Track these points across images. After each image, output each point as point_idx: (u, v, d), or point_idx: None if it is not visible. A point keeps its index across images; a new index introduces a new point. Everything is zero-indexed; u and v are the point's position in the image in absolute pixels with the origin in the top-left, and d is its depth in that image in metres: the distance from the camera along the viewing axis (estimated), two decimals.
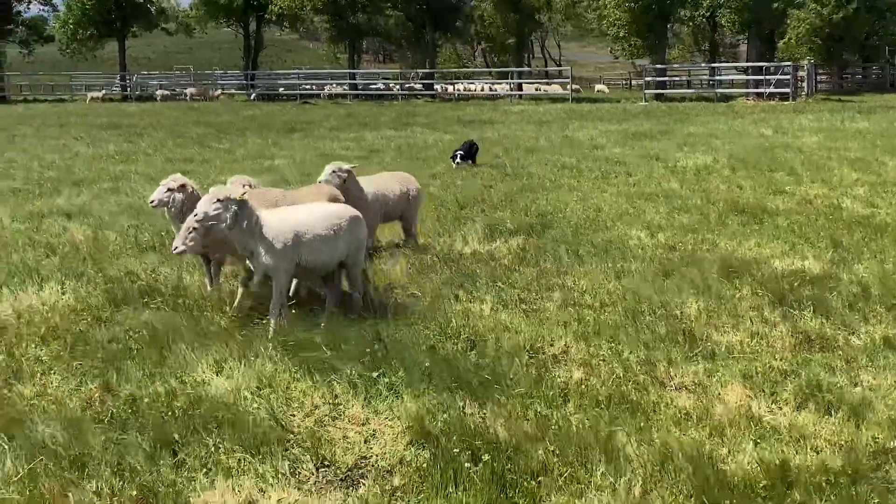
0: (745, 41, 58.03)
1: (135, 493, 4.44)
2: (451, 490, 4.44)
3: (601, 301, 7.82)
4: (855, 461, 4.61)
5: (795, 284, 8.01)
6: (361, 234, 7.54)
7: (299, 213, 7.44)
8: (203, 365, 6.18)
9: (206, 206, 6.85)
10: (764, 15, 50.15)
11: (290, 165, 18.65)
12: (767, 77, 46.13)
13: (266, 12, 64.69)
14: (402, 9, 61.16)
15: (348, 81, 60.55)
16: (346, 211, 7.58)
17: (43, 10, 75.46)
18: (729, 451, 4.74)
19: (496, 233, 10.81)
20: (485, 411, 5.31)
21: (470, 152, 18.19)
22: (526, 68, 63.84)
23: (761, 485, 4.36)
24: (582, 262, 9.27)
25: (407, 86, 59.88)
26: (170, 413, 5.37)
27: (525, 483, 4.47)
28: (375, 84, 63.40)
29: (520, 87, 54.41)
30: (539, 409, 5.32)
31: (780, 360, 6.26)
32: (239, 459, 4.81)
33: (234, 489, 4.52)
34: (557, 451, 4.74)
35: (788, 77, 44.27)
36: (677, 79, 61.63)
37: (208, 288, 8.21)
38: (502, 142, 23.68)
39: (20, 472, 4.64)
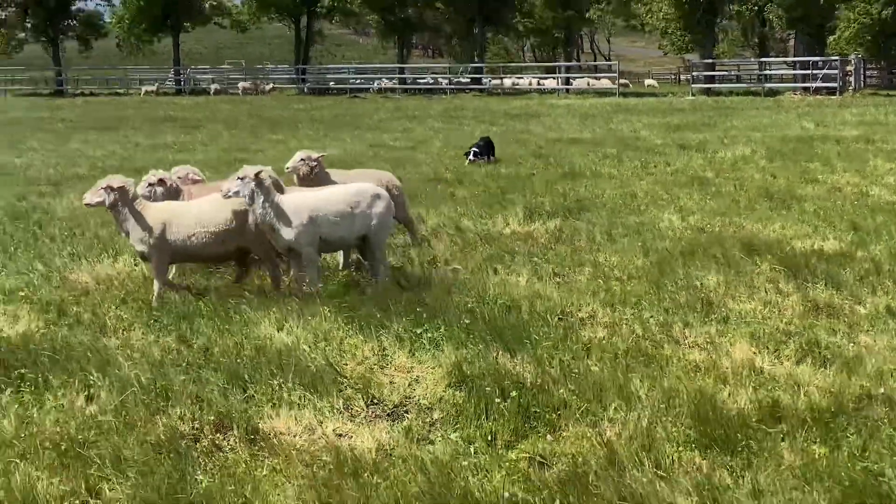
0: (794, 36, 57.97)
1: (212, 418, 5.18)
2: (482, 421, 5.13)
3: (628, 274, 8.45)
4: (840, 403, 5.21)
5: (812, 261, 8.58)
6: (381, 212, 8.05)
7: (320, 193, 8.17)
8: (266, 323, 6.91)
9: (228, 183, 7.63)
10: (812, 10, 50.11)
11: (341, 156, 19.42)
12: (815, 72, 46.17)
13: (317, 7, 65.79)
14: (452, 3, 61.78)
15: (397, 76, 61.35)
16: (366, 190, 8.19)
17: (100, 4, 77.14)
18: (729, 395, 5.37)
19: (535, 215, 11.47)
20: (515, 360, 5.99)
21: (486, 148, 18.41)
22: (574, 63, 64.38)
23: (754, 419, 4.99)
24: (614, 242, 9.90)
25: (455, 80, 60.56)
26: (238, 360, 6.11)
27: (547, 415, 5.14)
28: (424, 78, 64.12)
29: (567, 82, 54.84)
30: (563, 359, 5.99)
31: (788, 323, 6.86)
32: (300, 396, 5.53)
33: (296, 419, 5.24)
34: (577, 391, 5.41)
35: (836, 72, 44.27)
36: (726, 73, 61.65)
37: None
38: (546, 134, 24.29)
39: (114, 402, 5.40)
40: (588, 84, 53.82)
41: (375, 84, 61.16)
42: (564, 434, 4.96)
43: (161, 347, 6.50)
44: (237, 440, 4.98)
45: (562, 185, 14.24)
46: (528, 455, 4.69)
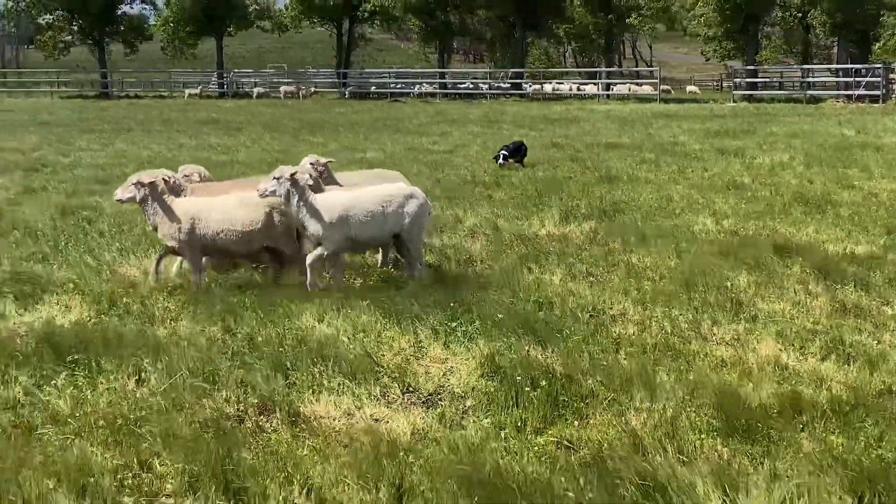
0: (837, 43, 57.58)
1: (256, 401, 5.46)
2: (513, 408, 5.35)
3: (660, 275, 8.63)
4: (861, 397, 5.38)
5: (843, 264, 8.71)
6: (414, 211, 8.28)
7: (354, 193, 8.44)
8: (307, 315, 7.18)
9: (265, 182, 7.92)
10: (855, 17, 49.78)
11: (380, 158, 19.73)
12: (857, 79, 45.87)
13: (359, 11, 66.29)
14: (492, 8, 61.99)
15: (438, 80, 61.66)
16: (399, 190, 8.46)
17: (144, 8, 78.23)
18: (753, 388, 5.55)
19: (570, 217, 11.68)
20: (546, 353, 6.20)
21: (518, 152, 18.47)
22: (615, 68, 64.37)
23: (775, 411, 5.17)
24: (647, 244, 10.06)
25: (495, 85, 60.74)
26: (280, 349, 6.38)
27: (575, 404, 5.35)
28: (464, 83, 64.39)
29: (608, 88, 54.85)
30: (592, 352, 6.20)
31: (815, 323, 7.02)
32: (339, 383, 5.78)
33: (335, 404, 5.50)
34: (604, 382, 5.62)
35: (879, 79, 43.98)
36: (768, 80, 61.33)
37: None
38: (584, 138, 24.44)
39: (164, 385, 5.68)
40: (629, 90, 53.85)
41: (416, 89, 61.52)
42: (591, 422, 5.16)
43: (207, 336, 6.78)
44: (279, 422, 5.25)
45: (598, 188, 14.41)
46: (555, 440, 4.90)
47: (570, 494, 4.20)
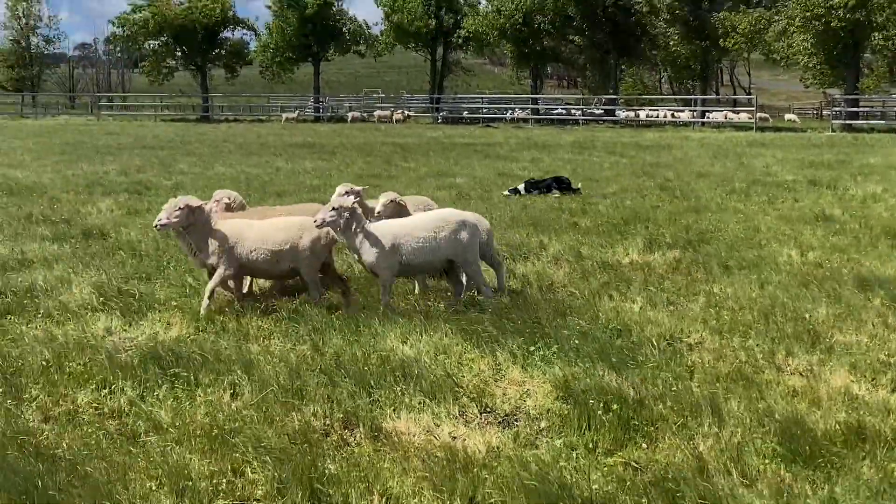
0: None
1: (341, 416, 5.79)
2: (585, 430, 5.58)
3: (740, 305, 8.75)
4: None
5: None
6: (465, 237, 8.56)
7: (406, 220, 8.82)
8: (392, 336, 7.51)
9: (323, 213, 8.26)
10: None
11: (470, 182, 20.09)
12: None
13: (453, 37, 67.18)
14: (587, 35, 62.17)
15: (530, 106, 62.00)
16: (451, 216, 8.75)
17: (245, 34, 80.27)
18: (821, 417, 5.68)
19: (655, 246, 11.82)
20: (620, 378, 6.41)
21: (561, 185, 18.75)
22: (711, 95, 63.86)
23: (840, 438, 5.30)
24: (730, 274, 10.17)
25: (588, 111, 60.80)
26: (365, 368, 6.72)
27: (645, 427, 5.56)
28: (556, 109, 64.60)
29: (703, 115, 54.44)
30: (666, 379, 6.39)
31: (889, 355, 7.08)
32: (420, 401, 6.09)
33: (415, 420, 5.80)
34: (675, 408, 5.81)
35: None
36: (870, 109, 60.08)
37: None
38: (675, 166, 24.46)
39: (256, 398, 6.06)
40: (725, 117, 53.39)
41: (508, 114, 61.96)
42: (660, 445, 5.37)
43: (297, 354, 7.16)
44: (362, 436, 5.57)
45: (685, 217, 14.51)
46: (623, 461, 5.12)
47: None
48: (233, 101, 78.41)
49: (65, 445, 5.40)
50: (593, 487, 4.73)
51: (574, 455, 5.26)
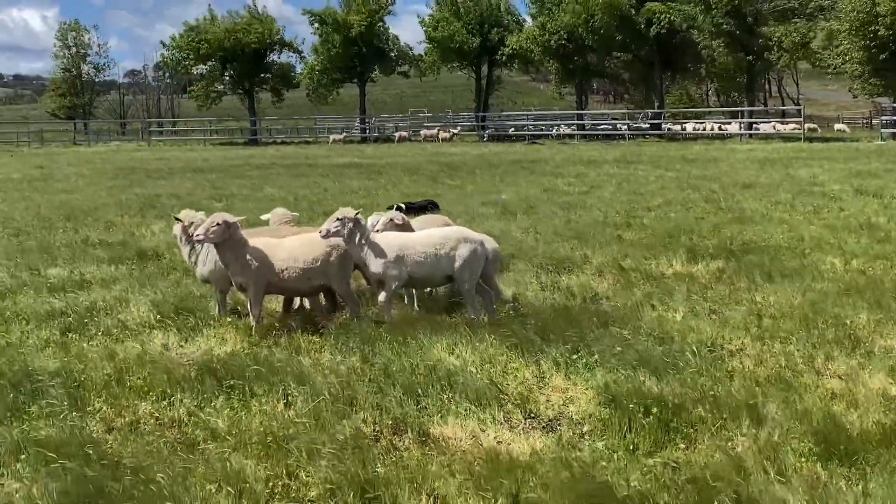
0: None
1: (390, 422, 6.03)
2: (626, 433, 5.76)
3: (782, 312, 8.86)
4: None
5: None
6: (465, 255, 8.71)
7: (411, 234, 9.12)
8: (438, 347, 7.74)
9: (328, 224, 8.54)
10: None
11: (515, 199, 20.30)
12: None
13: (498, 55, 67.58)
14: (631, 49, 62.23)
15: (576, 122, 62.11)
16: (453, 234, 8.96)
17: (290, 57, 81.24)
18: (857, 417, 5.81)
19: (698, 256, 11.94)
20: (661, 384, 6.58)
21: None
22: (758, 107, 63.53)
23: (876, 438, 5.43)
24: (772, 282, 10.28)
25: (635, 126, 60.79)
26: (413, 377, 6.95)
27: (684, 429, 5.73)
28: (602, 124, 64.66)
29: (750, 127, 54.20)
30: (705, 384, 6.54)
31: None
32: (466, 408, 6.31)
33: (461, 426, 6.02)
34: (713, 410, 5.97)
35: None
36: None
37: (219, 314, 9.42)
38: (721, 178, 24.49)
39: (308, 407, 6.32)
40: (774, 128, 53.11)
41: (554, 130, 62.11)
42: (699, 446, 5.53)
43: (347, 366, 7.41)
44: (411, 441, 5.80)
45: (729, 228, 14.60)
46: (662, 461, 5.29)
47: None
48: (281, 123, 79.38)
49: (128, 453, 5.68)
50: (632, 486, 4.91)
51: (615, 456, 5.44)
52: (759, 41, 56.51)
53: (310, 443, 5.66)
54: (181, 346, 8.34)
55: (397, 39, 73.15)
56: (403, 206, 17.74)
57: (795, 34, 54.48)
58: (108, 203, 21.37)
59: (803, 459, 5.21)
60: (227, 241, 8.69)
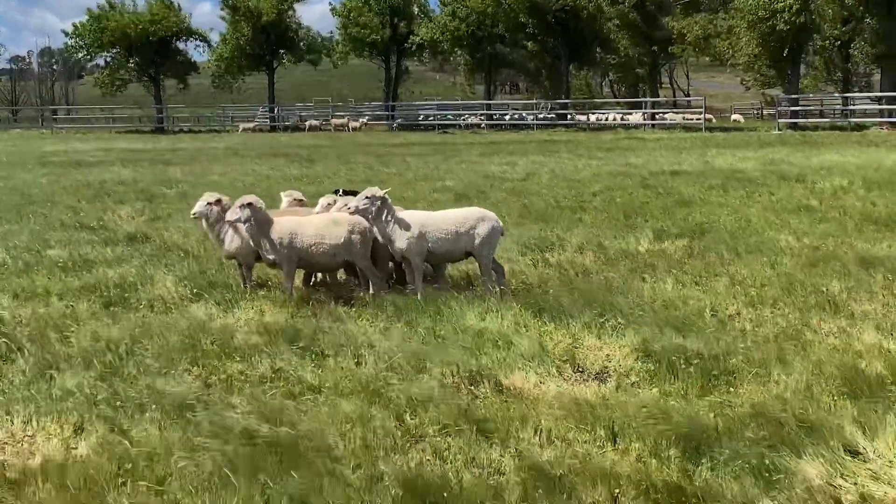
0: (879, 71, 58.58)
1: (466, 375, 6.79)
2: (674, 381, 6.64)
3: (761, 283, 9.89)
4: None
5: None
6: (485, 232, 9.50)
7: (433, 213, 9.92)
8: (471, 315, 8.49)
9: (357, 201, 9.29)
10: None
11: (461, 185, 21.11)
12: None
13: (406, 44, 68.33)
14: (539, 41, 63.61)
15: (485, 112, 63.31)
16: (472, 213, 9.77)
17: (198, 46, 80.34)
18: (867, 365, 6.81)
19: (664, 236, 12.96)
20: (687, 341, 7.48)
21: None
22: (661, 98, 65.70)
23: (889, 380, 6.42)
24: (740, 257, 11.32)
25: (541, 116, 62.19)
26: (459, 340, 7.71)
27: (725, 377, 6.64)
28: (508, 114, 66.04)
29: (653, 117, 56.16)
30: (727, 340, 7.48)
31: None
32: (522, 364, 7.10)
33: (525, 378, 6.80)
34: (746, 361, 6.90)
35: None
36: (809, 108, 62.33)
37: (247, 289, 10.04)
38: (647, 166, 25.75)
39: (382, 365, 7.04)
40: (683, 119, 55.16)
41: (463, 120, 63.19)
42: (741, 390, 6.44)
43: (395, 331, 8.12)
44: (488, 391, 6.56)
45: (678, 211, 15.69)
46: (717, 401, 6.18)
47: (749, 435, 5.48)
48: (187, 111, 78.41)
49: (237, 404, 6.31)
50: (703, 417, 5.78)
51: (670, 400, 6.30)
52: (663, 33, 58.45)
53: (402, 392, 6.38)
54: (222, 318, 8.87)
55: (309, 29, 73.34)
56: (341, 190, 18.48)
57: (697, 27, 56.65)
58: (56, 191, 21.38)
59: (836, 397, 6.15)
60: (258, 220, 9.31)
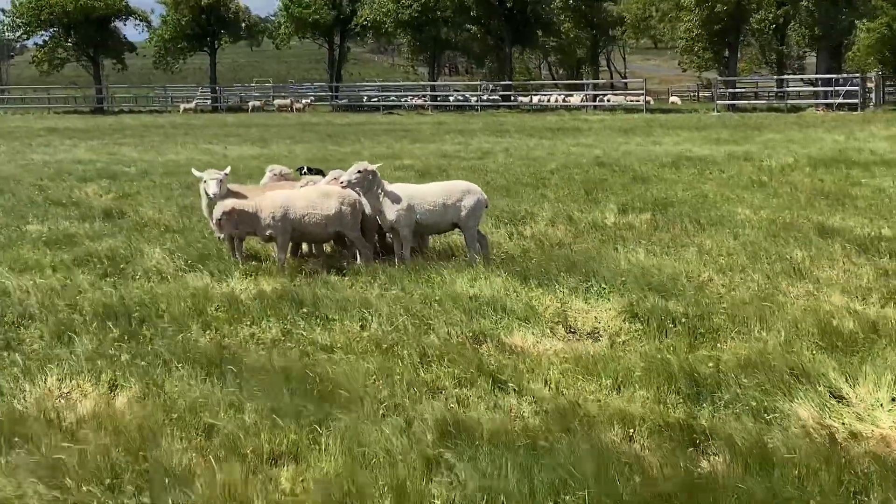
0: (814, 53, 60.08)
1: (469, 334, 7.22)
2: (663, 338, 7.14)
3: (727, 252, 10.45)
4: None
5: (876, 242, 10.58)
6: (471, 204, 9.94)
7: (421, 186, 10.35)
8: (460, 281, 8.91)
9: (348, 175, 9.68)
10: (832, 28, 52.22)
11: (421, 164, 21.50)
12: (836, 88, 48.30)
13: (350, 26, 68.33)
14: (483, 23, 64.05)
15: (429, 93, 63.68)
16: (458, 186, 10.24)
17: (137, 25, 79.21)
18: (837, 322, 7.37)
19: (629, 209, 13.50)
20: (670, 303, 7.99)
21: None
22: (603, 80, 66.63)
23: (860, 336, 6.99)
24: (704, 229, 11.89)
25: (485, 97, 62.70)
26: (455, 304, 8.13)
27: (709, 334, 7.16)
28: (452, 95, 66.50)
29: (594, 99, 57.03)
30: (707, 302, 8.01)
31: (867, 282, 8.86)
32: (517, 324, 7.54)
33: (522, 337, 7.25)
34: (728, 320, 7.43)
35: (857, 88, 46.43)
36: (746, 90, 63.76)
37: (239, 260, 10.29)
38: (598, 146, 26.37)
39: (387, 327, 7.43)
40: (625, 100, 56.06)
41: (407, 101, 63.53)
42: (727, 346, 6.96)
43: (390, 297, 8.51)
44: (492, 349, 7.00)
45: (635, 187, 16.27)
46: (706, 355, 6.69)
47: (744, 380, 5.99)
48: (126, 92, 77.32)
49: (278, 362, 6.65)
50: (709, 367, 6.28)
51: (664, 354, 6.80)
52: (603, 16, 59.29)
53: (416, 347, 6.80)
54: (219, 288, 9.17)
55: (248, 10, 72.87)
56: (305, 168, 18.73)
57: (637, 9, 57.60)
58: (15, 170, 21.28)
59: (815, 351, 6.70)
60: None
